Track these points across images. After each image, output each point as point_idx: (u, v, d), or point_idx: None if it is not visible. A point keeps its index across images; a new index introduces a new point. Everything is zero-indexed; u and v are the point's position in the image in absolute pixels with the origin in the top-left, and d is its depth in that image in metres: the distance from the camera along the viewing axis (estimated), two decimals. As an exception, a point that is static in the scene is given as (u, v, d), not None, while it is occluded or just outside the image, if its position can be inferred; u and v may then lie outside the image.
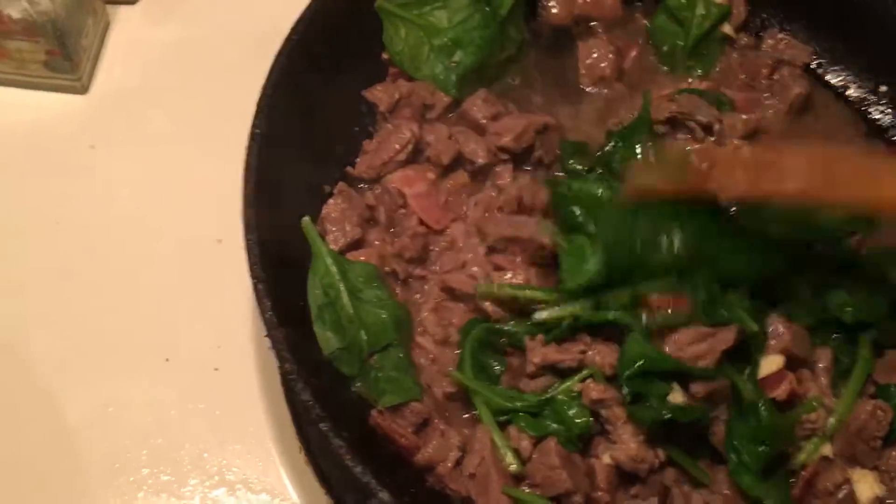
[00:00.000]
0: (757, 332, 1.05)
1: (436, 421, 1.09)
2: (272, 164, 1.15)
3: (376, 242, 1.21)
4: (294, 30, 1.24)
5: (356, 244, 1.21)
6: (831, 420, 1.09)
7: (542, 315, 1.07)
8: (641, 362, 1.00)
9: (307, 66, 1.23)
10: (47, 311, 1.38)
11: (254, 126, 1.14)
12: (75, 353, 1.34)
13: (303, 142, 1.24)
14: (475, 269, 1.14)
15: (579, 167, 1.25)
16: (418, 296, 1.18)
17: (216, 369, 1.34)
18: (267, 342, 1.05)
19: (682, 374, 1.02)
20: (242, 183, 1.11)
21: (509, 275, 1.12)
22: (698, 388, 1.03)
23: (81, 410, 1.30)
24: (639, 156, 1.26)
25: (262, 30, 1.29)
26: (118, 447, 1.27)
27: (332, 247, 1.18)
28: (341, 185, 1.24)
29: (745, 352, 1.06)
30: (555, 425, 1.05)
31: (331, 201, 1.23)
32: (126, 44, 1.62)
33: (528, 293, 1.09)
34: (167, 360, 1.34)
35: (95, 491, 1.25)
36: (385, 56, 1.35)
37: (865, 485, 1.07)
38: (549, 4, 1.44)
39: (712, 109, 1.36)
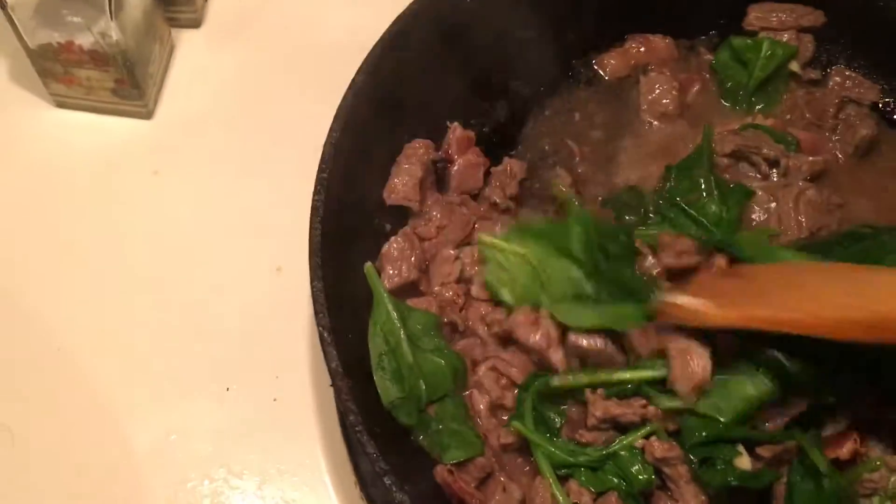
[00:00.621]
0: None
1: (497, 474, 1.10)
2: (338, 207, 1.16)
3: (436, 288, 1.21)
4: (364, 65, 1.23)
5: (412, 286, 1.22)
6: (893, 479, 1.08)
7: (617, 375, 1.07)
8: (705, 433, 0.99)
9: (376, 105, 1.23)
10: (112, 338, 1.41)
11: (320, 170, 1.15)
12: (140, 381, 1.37)
13: (368, 184, 1.25)
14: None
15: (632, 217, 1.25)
16: (476, 350, 1.18)
17: (275, 400, 1.36)
18: (327, 382, 1.07)
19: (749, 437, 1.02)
20: (308, 229, 1.12)
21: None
22: (765, 450, 1.02)
23: (146, 438, 1.33)
24: (702, 188, 1.25)
25: (330, 55, 1.30)
26: (181, 475, 1.30)
27: (387, 284, 1.19)
28: (405, 229, 1.24)
29: (812, 413, 1.05)
30: (616, 480, 1.05)
31: (392, 240, 1.24)
32: (191, 68, 1.64)
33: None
34: (227, 389, 1.37)
35: (158, 517, 1.28)
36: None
37: None
38: (605, 62, 1.44)
39: (778, 146, 1.34)
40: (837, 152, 1.38)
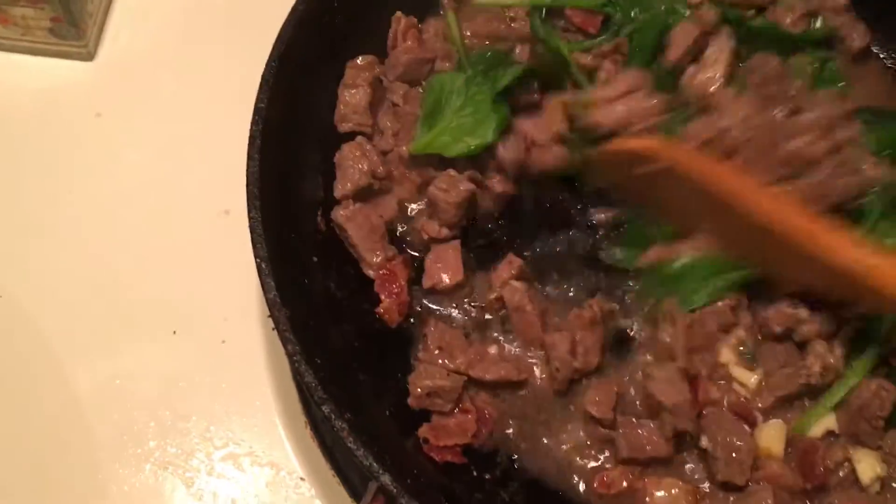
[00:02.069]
0: None
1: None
2: (280, 137, 1.13)
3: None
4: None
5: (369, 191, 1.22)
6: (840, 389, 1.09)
7: None
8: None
9: (314, 38, 1.20)
10: (54, 282, 1.37)
11: (257, 100, 1.12)
12: (84, 326, 1.34)
13: (310, 116, 1.22)
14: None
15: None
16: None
17: (223, 342, 1.34)
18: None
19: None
20: (247, 156, 1.09)
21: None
22: None
23: (91, 383, 1.30)
24: None
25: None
26: (126, 419, 1.28)
27: (340, 189, 1.21)
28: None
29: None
30: None
31: (344, 147, 1.22)
32: (133, 9, 1.59)
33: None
34: (175, 332, 1.34)
35: (103, 462, 1.26)
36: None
37: (867, 465, 1.06)
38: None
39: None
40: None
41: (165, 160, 1.47)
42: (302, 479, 1.25)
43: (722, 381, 1.12)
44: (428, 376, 1.09)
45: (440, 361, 1.13)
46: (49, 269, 1.38)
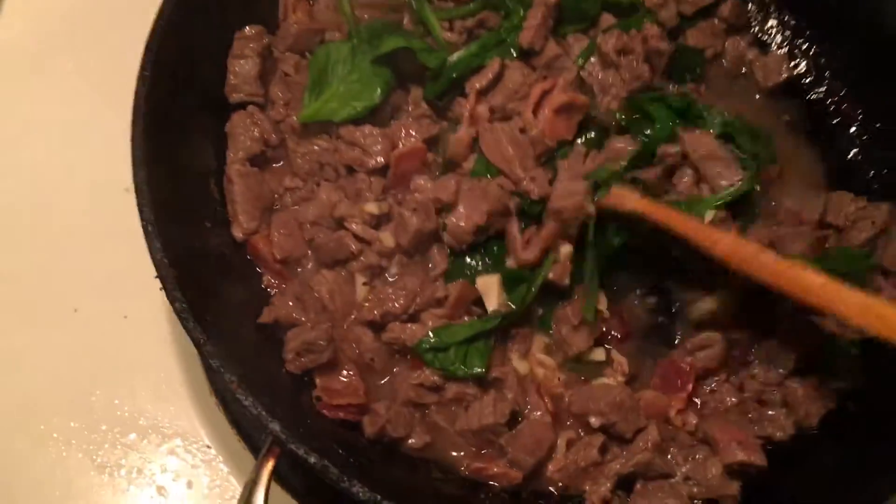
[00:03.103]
0: None
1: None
2: (166, 104, 1.14)
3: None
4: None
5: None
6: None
7: None
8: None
9: (199, 8, 1.21)
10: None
11: (141, 68, 1.13)
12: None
13: (199, 87, 1.23)
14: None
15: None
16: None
17: (125, 317, 1.35)
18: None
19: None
20: (131, 123, 1.10)
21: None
22: None
23: (-12, 363, 1.30)
24: None
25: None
26: (28, 396, 1.28)
27: (231, 156, 1.23)
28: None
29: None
30: None
31: (234, 115, 1.24)
32: (26, -3, 1.59)
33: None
34: (76, 310, 1.35)
35: (7, 439, 1.26)
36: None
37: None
38: None
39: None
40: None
41: (65, 140, 1.47)
42: (208, 446, 1.27)
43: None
44: (293, 338, 1.11)
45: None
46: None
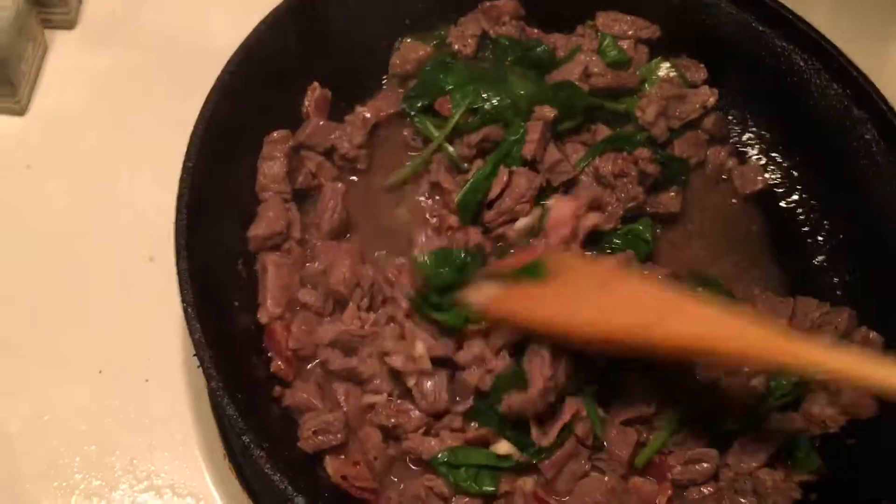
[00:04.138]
0: None
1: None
2: (204, 194, 1.25)
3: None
4: (228, 66, 1.33)
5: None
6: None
7: None
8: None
9: (239, 101, 1.33)
10: (-17, 325, 1.45)
11: (186, 158, 1.24)
12: (13, 366, 1.42)
13: (233, 171, 1.35)
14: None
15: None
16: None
17: (146, 380, 1.44)
18: (197, 362, 1.16)
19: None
20: (175, 210, 1.20)
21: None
22: None
23: (18, 419, 1.38)
24: None
25: (199, 59, 1.39)
26: (53, 454, 1.36)
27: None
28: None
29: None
30: None
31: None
32: (64, 68, 1.70)
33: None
34: (100, 371, 1.43)
35: (29, 495, 1.33)
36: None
37: None
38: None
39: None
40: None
41: (93, 209, 1.57)
42: (220, 508, 1.36)
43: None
44: (311, 418, 1.22)
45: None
46: (-24, 313, 1.46)
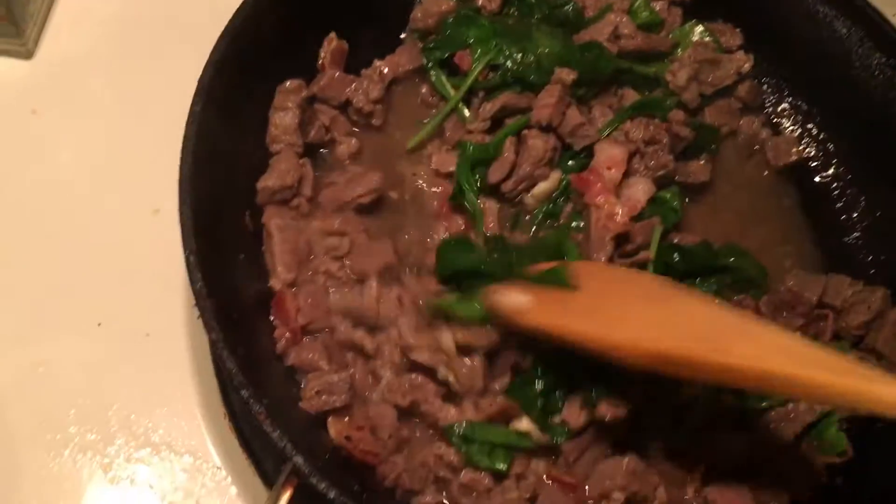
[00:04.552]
0: None
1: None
2: (212, 143, 1.19)
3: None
4: (240, 10, 1.27)
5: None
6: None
7: None
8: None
9: (251, 47, 1.27)
10: (-19, 271, 1.41)
11: (193, 102, 1.18)
12: (8, 314, 1.38)
13: (243, 119, 1.29)
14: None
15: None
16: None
17: (147, 335, 1.39)
18: (196, 311, 1.10)
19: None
20: (181, 154, 1.15)
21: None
22: None
23: (11, 369, 1.34)
24: None
25: (211, 2, 1.34)
26: (47, 406, 1.31)
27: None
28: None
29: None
30: None
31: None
32: (73, 11, 1.64)
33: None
34: (99, 324, 1.38)
35: (22, 446, 1.29)
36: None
37: None
38: None
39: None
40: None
41: (98, 158, 1.51)
42: (219, 467, 1.30)
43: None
44: (315, 378, 1.16)
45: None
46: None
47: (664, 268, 1.27)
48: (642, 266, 1.26)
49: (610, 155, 1.30)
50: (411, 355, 1.16)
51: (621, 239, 1.28)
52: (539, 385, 1.16)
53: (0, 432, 1.29)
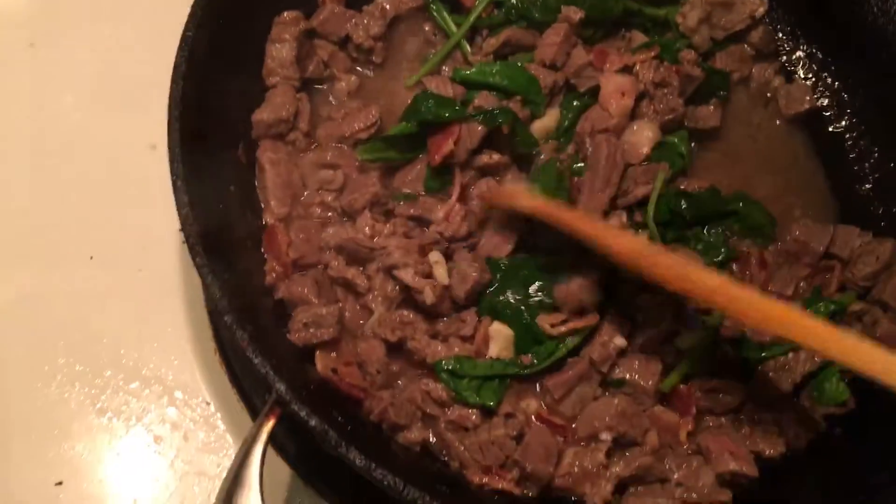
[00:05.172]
0: None
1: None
2: (204, 70, 1.16)
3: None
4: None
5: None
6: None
7: None
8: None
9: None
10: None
11: (186, 28, 1.16)
12: (0, 244, 1.36)
13: (238, 50, 1.26)
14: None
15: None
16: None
17: (140, 270, 1.37)
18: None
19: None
20: (171, 79, 1.12)
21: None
22: None
23: (1, 299, 1.33)
24: None
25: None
26: (35, 337, 1.31)
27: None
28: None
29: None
30: None
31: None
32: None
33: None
34: (91, 257, 1.37)
35: (10, 376, 1.28)
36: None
37: None
38: None
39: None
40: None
41: (95, 92, 1.50)
42: (208, 402, 1.29)
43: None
44: (304, 311, 1.14)
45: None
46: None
47: (669, 215, 1.24)
48: (642, 205, 1.23)
49: (618, 83, 1.27)
50: (397, 273, 1.14)
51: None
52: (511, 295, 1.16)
53: (-13, 360, 1.29)
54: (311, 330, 1.13)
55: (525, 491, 1.09)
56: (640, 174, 1.26)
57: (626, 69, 1.33)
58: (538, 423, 1.13)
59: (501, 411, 1.13)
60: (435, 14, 1.38)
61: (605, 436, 1.10)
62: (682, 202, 1.25)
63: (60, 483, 1.22)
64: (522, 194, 1.18)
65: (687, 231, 1.27)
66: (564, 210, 1.15)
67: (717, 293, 0.99)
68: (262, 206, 1.24)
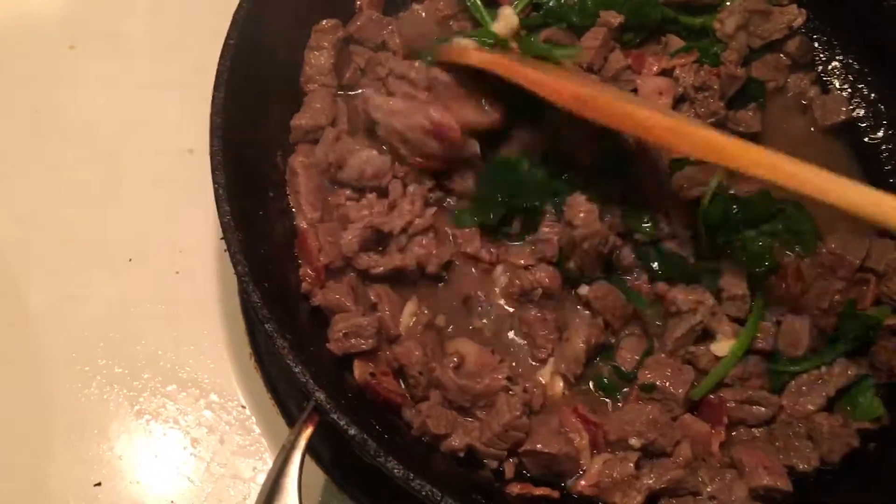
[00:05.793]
0: None
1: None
2: (245, 77, 1.18)
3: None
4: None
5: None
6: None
7: None
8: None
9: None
10: (18, 202, 1.42)
11: (228, 36, 1.17)
12: (42, 245, 1.39)
13: (277, 55, 1.27)
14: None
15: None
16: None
17: (177, 273, 1.39)
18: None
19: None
20: (213, 85, 1.14)
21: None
22: None
23: (43, 299, 1.35)
24: None
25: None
26: (76, 337, 1.33)
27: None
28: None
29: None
30: None
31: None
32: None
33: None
34: (130, 259, 1.39)
35: (51, 376, 1.30)
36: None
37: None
38: None
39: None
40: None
41: (134, 95, 1.51)
42: (243, 406, 1.31)
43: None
44: (343, 319, 1.14)
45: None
46: (12, 190, 1.43)
47: (723, 217, 1.24)
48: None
49: (656, 84, 1.29)
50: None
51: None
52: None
53: (32, 361, 1.31)
54: (352, 340, 1.14)
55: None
56: (695, 173, 1.26)
57: (665, 73, 1.33)
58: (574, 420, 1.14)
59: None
60: (474, 12, 1.37)
61: (635, 441, 1.10)
62: (734, 206, 1.25)
63: (99, 484, 1.24)
64: (471, 49, 1.20)
65: (735, 238, 1.25)
66: (511, 61, 1.17)
67: (652, 125, 1.06)
68: (294, 210, 1.25)
